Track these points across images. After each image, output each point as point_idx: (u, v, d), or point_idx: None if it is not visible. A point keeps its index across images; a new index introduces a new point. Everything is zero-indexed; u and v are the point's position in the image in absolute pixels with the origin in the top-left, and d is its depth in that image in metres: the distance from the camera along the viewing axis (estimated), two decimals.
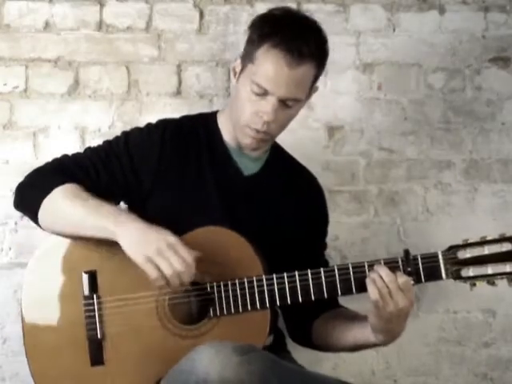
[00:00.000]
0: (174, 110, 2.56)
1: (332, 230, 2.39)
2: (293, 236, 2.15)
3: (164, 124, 2.16)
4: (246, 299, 1.98)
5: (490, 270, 1.95)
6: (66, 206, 2.01)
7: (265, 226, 2.12)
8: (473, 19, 2.71)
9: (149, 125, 2.17)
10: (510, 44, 2.72)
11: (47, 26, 2.58)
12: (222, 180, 2.13)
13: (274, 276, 1.99)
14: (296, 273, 1.99)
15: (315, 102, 2.62)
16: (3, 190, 2.45)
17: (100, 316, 2.00)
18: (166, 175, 2.10)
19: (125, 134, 2.16)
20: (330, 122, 2.68)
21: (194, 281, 1.96)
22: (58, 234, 2.04)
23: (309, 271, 1.99)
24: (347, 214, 2.68)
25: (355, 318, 2.09)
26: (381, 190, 2.69)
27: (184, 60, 2.63)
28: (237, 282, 1.98)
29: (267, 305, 1.99)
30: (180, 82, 2.63)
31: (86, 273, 2.01)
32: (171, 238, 1.91)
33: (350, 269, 1.99)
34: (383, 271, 1.93)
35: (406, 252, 1.98)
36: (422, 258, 1.97)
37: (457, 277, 1.97)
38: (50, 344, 2.00)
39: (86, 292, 2.00)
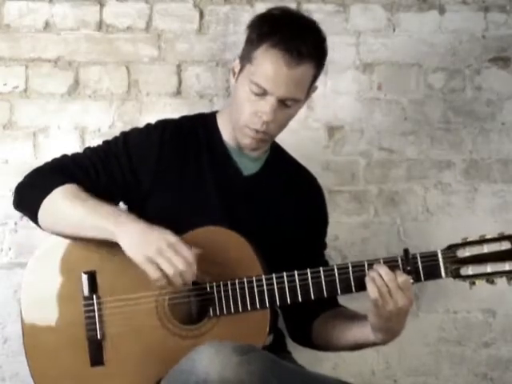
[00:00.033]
0: (174, 110, 2.56)
1: (332, 230, 2.39)
2: (292, 236, 2.15)
3: (163, 124, 2.16)
4: (246, 299, 1.98)
5: (489, 268, 1.96)
6: (65, 206, 2.01)
7: (264, 226, 2.11)
8: (473, 19, 2.71)
9: (148, 125, 2.17)
10: (510, 44, 2.72)
11: (47, 25, 2.58)
12: (222, 180, 2.13)
13: (274, 276, 1.99)
14: (295, 272, 1.99)
15: (315, 102, 2.63)
16: (3, 190, 2.45)
17: (100, 316, 1.99)
18: (165, 175, 2.10)
19: (124, 134, 2.16)
20: (330, 122, 2.68)
21: (194, 281, 1.96)
22: (58, 234, 2.04)
23: (308, 271, 1.99)
24: (347, 213, 2.68)
25: (355, 317, 2.09)
26: (381, 189, 2.69)
27: (184, 60, 2.63)
28: (236, 281, 1.98)
29: (267, 304, 1.99)
30: (180, 82, 2.63)
31: (85, 273, 2.01)
32: (171, 238, 1.91)
33: (350, 268, 1.99)
34: (383, 270, 1.93)
35: (406, 251, 1.98)
36: (421, 257, 1.98)
37: (456, 275, 1.97)
38: (49, 344, 2.00)
39: (86, 292, 2.00)
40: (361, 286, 1.97)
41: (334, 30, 2.63)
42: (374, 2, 2.68)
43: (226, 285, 1.99)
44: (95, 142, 2.23)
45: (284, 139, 2.25)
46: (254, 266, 2.00)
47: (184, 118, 2.22)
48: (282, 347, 2.23)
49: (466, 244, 1.97)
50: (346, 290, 1.99)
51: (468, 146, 2.72)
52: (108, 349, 1.99)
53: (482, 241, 1.96)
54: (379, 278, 1.92)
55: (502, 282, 1.97)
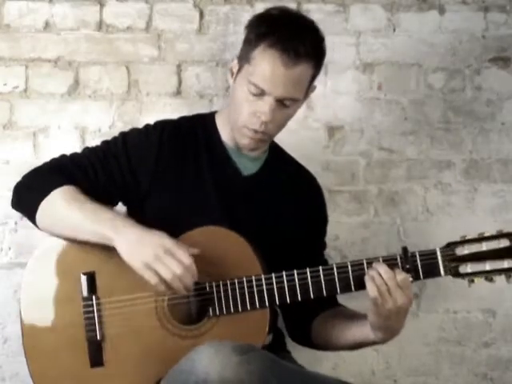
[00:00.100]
0: (174, 110, 2.56)
1: (332, 229, 2.39)
2: (292, 236, 2.15)
3: (162, 125, 2.16)
4: (245, 299, 1.98)
5: (488, 266, 1.96)
6: (63, 208, 2.01)
7: (264, 226, 2.12)
8: (473, 19, 2.71)
9: (147, 126, 2.17)
10: (510, 44, 2.71)
11: (47, 25, 2.58)
12: (221, 180, 2.13)
13: (273, 275, 1.99)
14: (295, 271, 1.99)
15: (315, 102, 2.63)
16: (3, 190, 2.44)
17: (99, 317, 2.00)
18: (164, 176, 2.10)
19: (123, 134, 2.16)
20: (330, 122, 2.68)
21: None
22: (56, 235, 2.04)
23: (307, 270, 1.99)
24: (347, 214, 2.68)
25: (354, 316, 2.10)
26: (381, 189, 2.69)
27: (184, 60, 2.63)
28: (236, 281, 1.98)
29: (266, 304, 1.99)
30: (180, 82, 2.63)
31: (84, 274, 2.01)
32: (168, 242, 1.92)
33: (349, 267, 1.99)
34: (382, 268, 1.93)
35: (405, 249, 1.98)
36: (420, 255, 1.98)
37: (455, 273, 1.97)
38: (49, 345, 2.00)
39: (85, 293, 2.00)
40: (360, 285, 1.97)
41: (333, 30, 2.63)
42: (373, 1, 2.68)
43: (225, 285, 1.99)
44: (95, 142, 2.24)
45: (284, 139, 2.25)
46: (253, 266, 2.00)
47: (183, 119, 2.22)
48: (282, 347, 2.23)
49: (464, 242, 1.97)
50: (346, 288, 1.99)
51: (468, 146, 2.71)
52: (108, 349, 1.99)
53: (481, 239, 1.97)
54: (378, 277, 1.93)
55: (500, 279, 1.97)
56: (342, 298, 2.17)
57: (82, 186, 2.05)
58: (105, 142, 2.16)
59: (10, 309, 2.51)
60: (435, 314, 2.70)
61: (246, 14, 2.58)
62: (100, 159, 2.09)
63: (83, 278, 2.00)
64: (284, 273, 1.99)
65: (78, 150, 2.19)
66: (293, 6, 2.57)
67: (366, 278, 1.94)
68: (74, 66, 2.59)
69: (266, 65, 1.99)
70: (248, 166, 2.17)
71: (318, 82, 2.15)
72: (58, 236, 2.04)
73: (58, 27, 2.58)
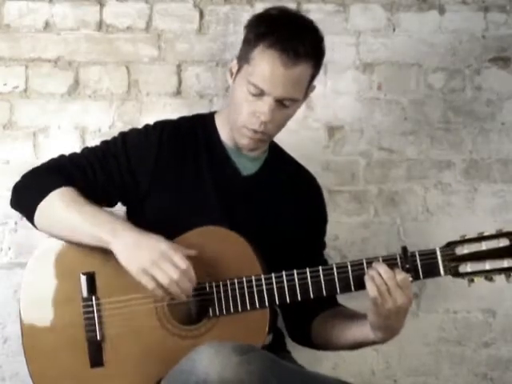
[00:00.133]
0: (174, 110, 2.56)
1: (332, 229, 2.39)
2: (292, 236, 2.15)
3: (161, 125, 2.16)
4: (245, 299, 1.98)
5: (487, 265, 1.96)
6: (61, 210, 2.01)
7: (263, 226, 2.12)
8: (473, 19, 2.71)
9: (146, 126, 2.17)
10: (510, 44, 2.71)
11: (47, 25, 2.58)
12: (221, 180, 2.13)
13: (273, 275, 1.99)
14: (295, 271, 1.99)
15: (315, 102, 2.63)
16: (3, 190, 2.43)
17: (99, 317, 2.00)
18: (163, 176, 2.10)
19: (122, 134, 2.16)
20: (330, 122, 2.68)
21: None
22: (54, 236, 2.04)
23: (307, 270, 1.99)
24: (347, 214, 2.68)
25: (354, 316, 2.10)
26: (381, 189, 2.69)
27: (184, 60, 2.63)
28: (236, 281, 1.98)
29: (266, 304, 1.99)
30: (180, 82, 2.63)
31: (84, 274, 2.01)
32: (165, 246, 1.92)
33: (349, 267, 1.99)
34: (382, 268, 1.93)
35: (404, 249, 1.98)
36: (420, 255, 1.98)
37: (455, 273, 1.98)
38: (48, 345, 2.00)
39: (85, 294, 2.00)
40: (360, 285, 1.97)
41: (333, 30, 2.63)
42: (373, 1, 2.68)
43: (225, 285, 1.99)
44: (95, 142, 2.23)
45: (284, 139, 2.25)
46: (253, 266, 2.00)
47: (182, 119, 2.22)
48: (282, 347, 2.23)
49: (464, 241, 1.98)
50: (345, 288, 2.00)
51: (468, 146, 2.71)
52: (108, 350, 1.99)
53: (481, 238, 1.97)
54: (378, 277, 1.93)
55: (500, 279, 1.97)
56: (342, 298, 2.17)
57: (80, 186, 2.05)
58: (104, 142, 2.16)
59: (10, 309, 2.51)
60: (435, 313, 2.70)
61: (246, 14, 2.58)
62: (99, 159, 2.09)
63: (83, 279, 2.00)
64: (284, 273, 1.99)
65: (78, 150, 2.19)
66: (293, 5, 2.57)
67: (366, 278, 1.94)
68: (74, 66, 2.58)
69: (266, 65, 1.99)
70: (247, 166, 2.17)
71: (317, 82, 2.15)
72: (56, 237, 2.04)
73: (57, 27, 2.58)
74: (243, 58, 2.05)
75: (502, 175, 2.72)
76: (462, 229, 2.09)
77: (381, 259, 1.97)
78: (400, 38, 2.69)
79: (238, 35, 2.52)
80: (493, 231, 1.98)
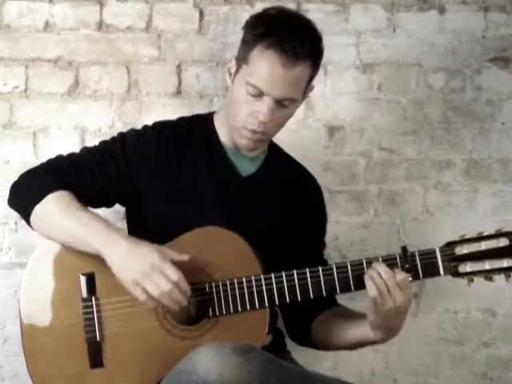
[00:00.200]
0: (174, 110, 2.56)
1: (332, 229, 2.39)
2: (291, 236, 2.16)
3: (160, 126, 2.16)
4: (245, 299, 1.98)
5: (487, 265, 1.96)
6: (57, 215, 2.00)
7: (263, 226, 2.12)
8: (473, 19, 2.71)
9: (145, 127, 2.17)
10: (510, 44, 2.71)
11: (47, 25, 2.58)
12: (220, 181, 2.13)
13: (273, 275, 1.99)
14: (294, 272, 1.99)
15: (315, 102, 2.63)
16: (3, 190, 2.44)
17: (99, 318, 1.99)
18: (162, 177, 2.10)
19: (121, 135, 2.16)
20: (330, 122, 2.68)
21: (192, 281, 1.96)
22: (49, 239, 2.04)
23: (307, 270, 1.99)
24: (347, 214, 2.68)
25: (354, 315, 2.10)
26: (381, 190, 2.69)
27: (184, 60, 2.62)
28: (235, 281, 1.98)
29: (266, 304, 1.99)
30: (180, 82, 2.63)
31: (83, 275, 2.01)
32: (156, 258, 1.91)
33: (349, 267, 1.99)
34: (381, 268, 1.93)
35: (404, 249, 1.98)
36: (419, 255, 1.98)
37: (454, 273, 1.98)
38: (48, 346, 2.00)
39: (84, 294, 2.00)
40: (360, 285, 1.97)
41: (333, 30, 2.63)
42: (373, 1, 2.68)
43: (225, 285, 1.99)
44: (95, 142, 2.22)
45: (284, 139, 2.25)
46: (252, 266, 2.00)
47: (181, 120, 2.22)
48: (282, 347, 2.24)
49: (464, 241, 1.98)
50: (345, 288, 1.99)
51: (468, 146, 2.72)
52: (107, 350, 1.99)
53: (480, 238, 1.97)
54: (378, 277, 1.93)
55: (500, 279, 1.97)
56: (342, 298, 2.17)
57: (78, 187, 2.05)
58: (102, 143, 2.16)
59: (10, 309, 2.51)
60: (435, 313, 2.71)
61: (246, 14, 2.55)
62: (97, 160, 2.09)
63: (82, 279, 2.00)
64: (283, 273, 1.99)
65: (78, 150, 2.19)
66: (292, 5, 2.57)
67: (366, 278, 1.94)
68: (74, 66, 2.58)
69: (265, 66, 1.99)
70: (246, 166, 2.16)
71: (317, 82, 2.15)
72: (51, 240, 2.04)
73: (57, 27, 2.58)
74: (242, 58, 2.05)
75: (502, 175, 2.72)
76: (462, 229, 2.09)
77: (380, 259, 1.97)
78: (400, 38, 2.69)
79: (237, 35, 2.50)
80: (492, 231, 1.98)
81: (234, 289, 1.98)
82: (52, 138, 2.57)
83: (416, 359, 2.70)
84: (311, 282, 1.99)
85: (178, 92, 2.62)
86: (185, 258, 1.94)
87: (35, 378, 1.99)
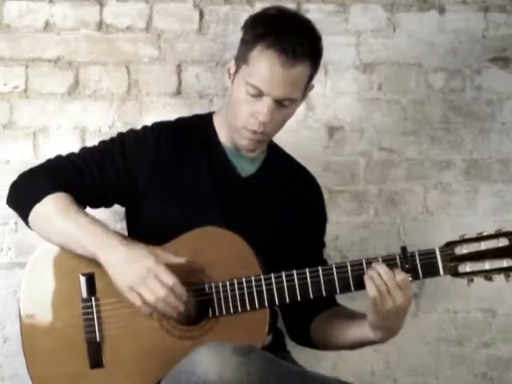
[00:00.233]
0: (174, 110, 2.56)
1: (332, 229, 2.39)
2: (291, 236, 2.16)
3: (159, 127, 2.16)
4: (245, 299, 1.98)
5: (487, 265, 1.97)
6: (54, 217, 2.00)
7: (263, 227, 2.12)
8: (473, 19, 2.71)
9: (144, 127, 2.17)
10: (510, 44, 2.71)
11: (47, 25, 2.58)
12: (219, 181, 2.12)
13: (273, 275, 1.99)
14: (294, 272, 1.99)
15: (315, 101, 2.64)
16: (3, 190, 2.44)
17: (98, 318, 1.99)
18: (161, 177, 2.09)
19: (120, 135, 2.15)
20: (330, 122, 2.68)
21: (192, 281, 1.96)
22: (47, 241, 2.04)
23: (307, 270, 1.99)
24: (347, 214, 2.68)
25: (353, 315, 2.10)
26: (381, 190, 2.69)
27: (184, 60, 2.62)
28: (235, 282, 1.98)
29: (266, 304, 1.99)
30: (180, 82, 2.63)
31: (83, 275, 2.01)
32: (151, 263, 1.91)
33: (348, 267, 1.99)
34: (381, 268, 1.93)
35: (404, 249, 1.98)
36: (419, 255, 1.98)
37: (454, 273, 1.98)
38: (48, 346, 1.99)
39: (84, 294, 2.00)
40: (359, 285, 1.97)
41: (333, 30, 2.63)
42: (373, 1, 2.68)
43: (224, 285, 1.98)
44: (95, 142, 2.22)
45: (284, 139, 2.25)
46: (252, 266, 2.00)
47: (180, 120, 2.22)
48: (282, 347, 2.24)
49: (463, 241, 1.98)
50: (345, 288, 2.00)
51: (468, 146, 2.72)
52: (107, 351, 1.99)
53: (480, 238, 1.97)
54: (378, 277, 1.93)
55: (500, 279, 1.97)
56: (342, 298, 2.17)
57: (77, 187, 2.04)
58: (102, 143, 2.15)
59: (10, 309, 2.51)
60: (435, 313, 2.71)
61: (246, 14, 2.54)
62: (96, 160, 2.09)
63: (82, 279, 2.00)
64: (283, 273, 1.99)
65: (78, 150, 2.18)
66: (292, 5, 2.57)
67: (366, 278, 1.94)
68: (74, 66, 2.58)
69: (264, 66, 1.99)
70: (246, 167, 2.16)
71: (317, 82, 2.15)
72: (49, 241, 2.03)
73: (58, 27, 2.58)
74: (241, 58, 2.05)
75: (502, 175, 2.72)
76: (462, 229, 2.09)
77: (380, 259, 1.97)
78: (400, 38, 2.69)
79: (237, 35, 2.50)
80: (492, 231, 1.98)
81: (234, 289, 1.98)
82: (52, 138, 2.57)
83: (416, 359, 2.70)
84: (311, 282, 1.99)
85: (178, 92, 2.62)
86: (182, 260, 1.94)
87: (35, 378, 1.99)
